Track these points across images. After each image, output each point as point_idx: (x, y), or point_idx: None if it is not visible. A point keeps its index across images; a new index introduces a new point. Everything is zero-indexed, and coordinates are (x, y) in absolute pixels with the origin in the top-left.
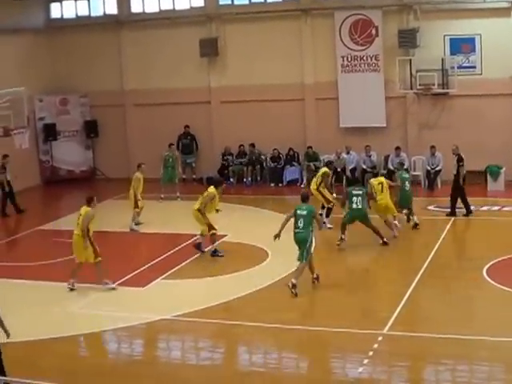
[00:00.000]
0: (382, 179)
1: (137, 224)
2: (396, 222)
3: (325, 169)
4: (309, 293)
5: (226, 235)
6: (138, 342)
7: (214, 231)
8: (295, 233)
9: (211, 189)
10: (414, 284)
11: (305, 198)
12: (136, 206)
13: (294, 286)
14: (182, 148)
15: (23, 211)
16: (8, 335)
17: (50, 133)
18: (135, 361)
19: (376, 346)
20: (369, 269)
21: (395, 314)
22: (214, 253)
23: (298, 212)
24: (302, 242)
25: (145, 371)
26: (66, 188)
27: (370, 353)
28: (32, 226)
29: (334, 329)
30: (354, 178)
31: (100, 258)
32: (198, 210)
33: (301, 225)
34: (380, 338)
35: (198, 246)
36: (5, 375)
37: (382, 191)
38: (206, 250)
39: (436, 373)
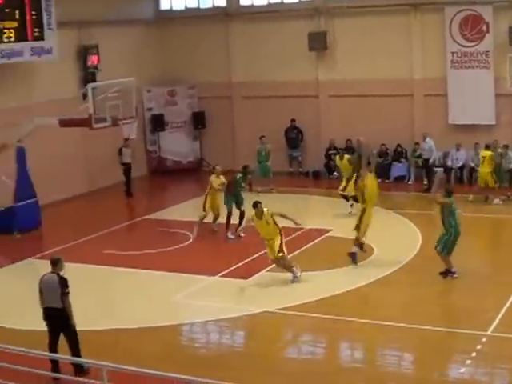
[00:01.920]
0: None
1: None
2: None
3: None
4: (411, 290)
5: (330, 230)
6: (240, 334)
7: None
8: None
9: None
10: None
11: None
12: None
13: None
14: (289, 141)
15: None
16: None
17: (158, 123)
18: (237, 352)
19: (479, 347)
20: (475, 268)
21: (500, 315)
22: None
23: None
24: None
25: (246, 363)
26: (172, 178)
27: (473, 354)
28: (139, 215)
29: (436, 328)
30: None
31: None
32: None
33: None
34: (484, 339)
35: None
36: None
37: None
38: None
39: None
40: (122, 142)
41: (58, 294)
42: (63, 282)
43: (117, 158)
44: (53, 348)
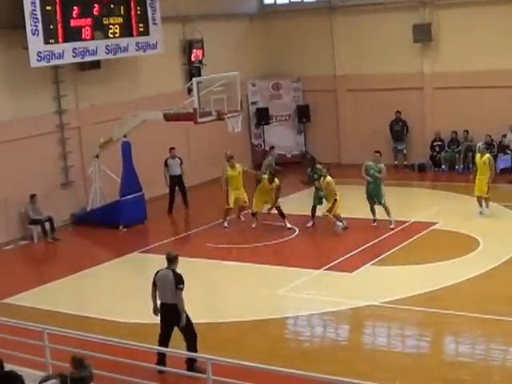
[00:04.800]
0: None
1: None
2: None
3: None
4: None
5: (436, 223)
6: (345, 328)
7: None
8: None
9: None
10: None
11: None
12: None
13: None
14: (394, 134)
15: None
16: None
17: (263, 117)
18: (341, 346)
19: None
20: None
21: None
22: None
23: None
24: None
25: (350, 357)
26: (276, 172)
27: None
28: (243, 208)
29: None
30: None
31: None
32: None
33: None
34: None
35: None
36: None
37: None
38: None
39: None
40: (168, 153)
41: (172, 289)
42: (178, 279)
43: (162, 170)
44: (163, 342)
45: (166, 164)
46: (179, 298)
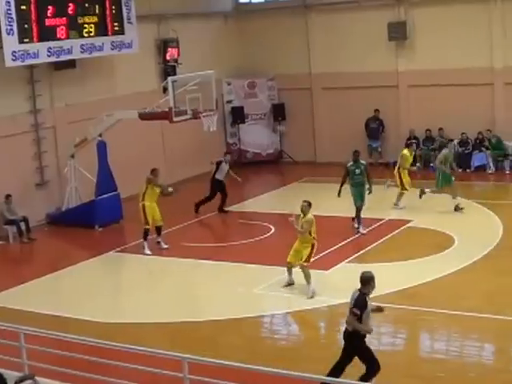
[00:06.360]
0: None
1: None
2: None
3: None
4: (496, 280)
5: (411, 220)
6: (321, 326)
7: None
8: None
9: None
10: None
11: None
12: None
13: None
14: (370, 132)
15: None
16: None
17: (238, 116)
18: (317, 344)
19: None
20: None
21: None
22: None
23: None
24: None
25: (325, 355)
26: (252, 170)
27: None
28: (218, 207)
29: None
30: None
31: None
32: None
33: None
34: None
35: None
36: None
37: None
38: None
39: None
40: (222, 156)
41: (348, 310)
42: (357, 301)
43: (210, 168)
44: (334, 371)
45: (218, 166)
46: (352, 323)
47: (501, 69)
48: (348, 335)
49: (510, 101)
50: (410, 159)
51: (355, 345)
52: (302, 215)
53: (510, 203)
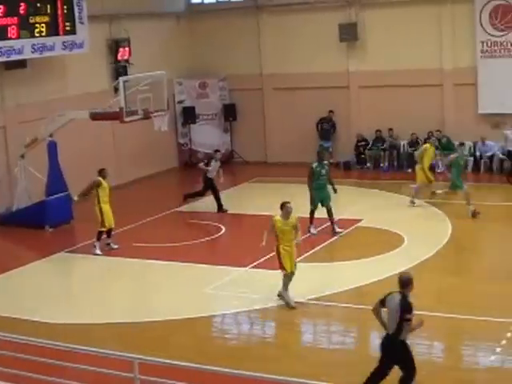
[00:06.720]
0: None
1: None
2: None
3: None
4: (446, 279)
5: (361, 220)
6: (272, 325)
7: None
8: None
9: None
10: None
11: None
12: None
13: None
14: (321, 133)
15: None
16: None
17: (189, 116)
18: (268, 343)
19: (509, 334)
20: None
21: None
22: None
23: None
24: None
25: (277, 354)
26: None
27: (503, 341)
28: (169, 207)
29: (467, 316)
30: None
31: None
32: None
33: None
34: None
35: None
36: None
37: None
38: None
39: None
40: (212, 153)
41: (396, 317)
42: (405, 307)
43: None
44: (373, 379)
45: (207, 164)
46: (403, 330)
47: (450, 70)
48: (400, 344)
49: (459, 101)
50: (433, 155)
51: (407, 352)
52: (284, 218)
53: (459, 203)
